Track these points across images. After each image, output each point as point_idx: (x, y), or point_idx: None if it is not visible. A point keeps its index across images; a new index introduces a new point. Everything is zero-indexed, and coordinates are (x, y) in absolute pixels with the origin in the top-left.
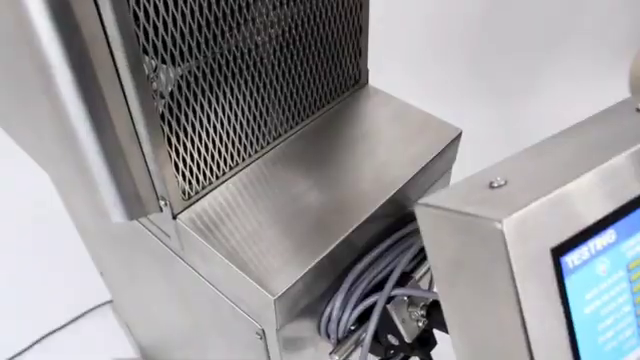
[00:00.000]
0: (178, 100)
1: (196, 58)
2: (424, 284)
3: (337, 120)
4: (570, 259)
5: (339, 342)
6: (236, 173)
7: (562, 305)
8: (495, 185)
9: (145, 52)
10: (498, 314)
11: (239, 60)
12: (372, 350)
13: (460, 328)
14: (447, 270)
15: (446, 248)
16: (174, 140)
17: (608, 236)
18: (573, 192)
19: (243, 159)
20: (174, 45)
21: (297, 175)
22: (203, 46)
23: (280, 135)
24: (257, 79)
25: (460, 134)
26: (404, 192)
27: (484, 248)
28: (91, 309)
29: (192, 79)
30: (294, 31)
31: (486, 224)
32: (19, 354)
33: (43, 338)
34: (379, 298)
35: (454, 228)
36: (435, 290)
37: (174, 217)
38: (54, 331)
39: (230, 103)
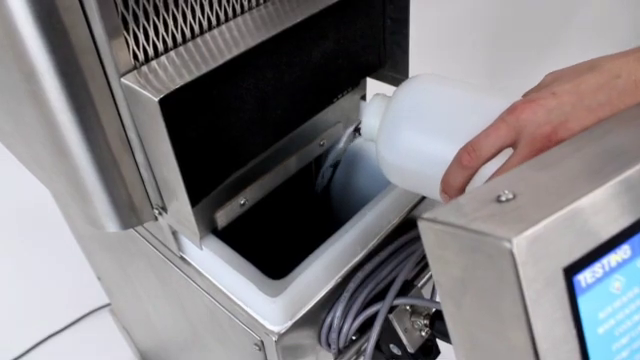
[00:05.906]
0: None
1: None
2: (427, 291)
3: None
4: (583, 277)
5: (340, 352)
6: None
7: (575, 327)
8: (503, 199)
9: (135, 58)
10: (507, 337)
11: None
12: None
13: (466, 349)
14: (452, 288)
15: (451, 266)
16: None
17: (623, 252)
18: (587, 207)
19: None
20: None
21: None
22: None
23: None
24: None
25: None
26: None
27: (492, 268)
28: (91, 312)
29: None
30: None
31: (495, 243)
32: (18, 358)
33: (42, 342)
34: (381, 308)
35: (460, 245)
36: (438, 299)
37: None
38: (53, 334)
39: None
